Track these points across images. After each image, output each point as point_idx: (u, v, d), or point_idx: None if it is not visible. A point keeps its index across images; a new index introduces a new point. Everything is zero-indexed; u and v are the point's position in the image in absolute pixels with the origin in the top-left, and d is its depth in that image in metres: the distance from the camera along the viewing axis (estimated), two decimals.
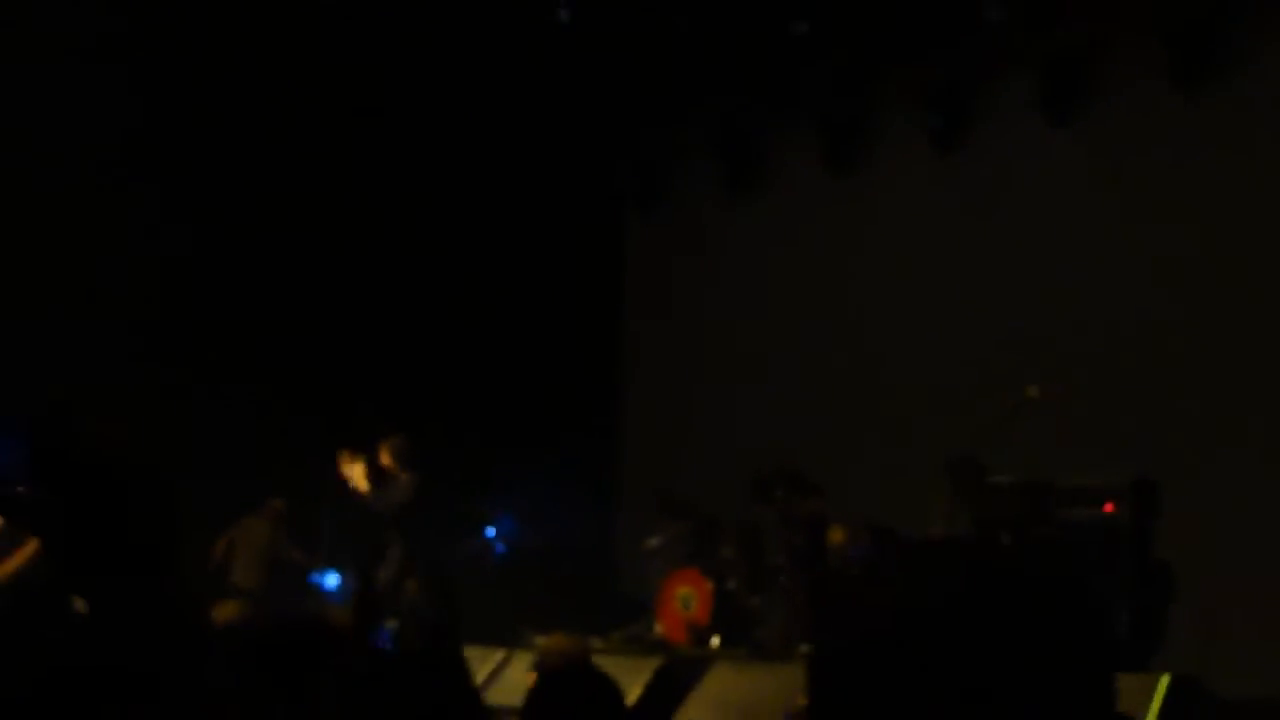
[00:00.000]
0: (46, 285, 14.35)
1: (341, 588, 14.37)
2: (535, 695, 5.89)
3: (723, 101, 18.00)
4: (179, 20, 14.88)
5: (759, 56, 17.17)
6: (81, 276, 14.69)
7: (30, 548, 5.60)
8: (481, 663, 12.84)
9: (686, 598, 14.85)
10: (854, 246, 17.93)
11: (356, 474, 14.54)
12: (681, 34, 16.86)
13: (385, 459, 14.70)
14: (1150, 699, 10.70)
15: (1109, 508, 13.47)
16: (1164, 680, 10.99)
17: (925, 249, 17.35)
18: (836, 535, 14.73)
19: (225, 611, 8.43)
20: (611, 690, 5.98)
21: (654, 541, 15.63)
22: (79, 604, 4.18)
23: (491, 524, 16.13)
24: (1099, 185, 16.29)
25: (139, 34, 14.62)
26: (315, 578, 14.65)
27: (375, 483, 14.56)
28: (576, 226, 18.38)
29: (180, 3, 14.99)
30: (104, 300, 14.79)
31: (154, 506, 4.27)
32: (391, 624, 13.86)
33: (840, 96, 17.40)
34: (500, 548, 16.25)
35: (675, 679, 12.79)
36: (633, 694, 11.93)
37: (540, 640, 11.42)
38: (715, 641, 14.24)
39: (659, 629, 14.73)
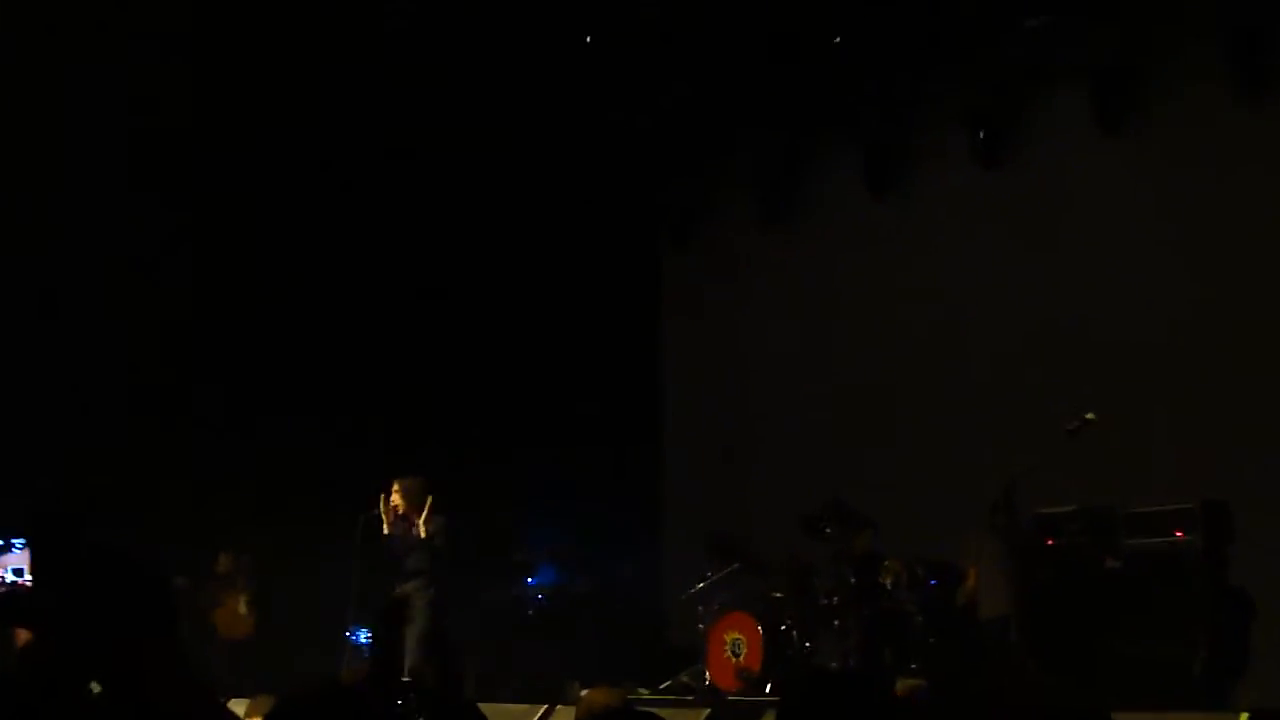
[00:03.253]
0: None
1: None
2: None
3: (761, 128, 17.27)
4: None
5: (798, 80, 16.53)
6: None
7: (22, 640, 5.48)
8: (523, 719, 12.12)
9: (736, 643, 14.14)
10: (898, 268, 17.14)
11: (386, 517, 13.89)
12: (720, 62, 16.11)
13: (397, 500, 13.87)
14: None
15: (1179, 534, 12.80)
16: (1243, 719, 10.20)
17: (972, 268, 16.54)
18: (891, 571, 14.00)
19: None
20: None
21: (701, 585, 14.91)
22: (95, 687, 4.28)
23: (533, 572, 15.38)
24: (1151, 197, 15.48)
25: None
26: (348, 633, 13.91)
27: (394, 527, 13.79)
28: (615, 263, 17.90)
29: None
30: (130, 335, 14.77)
31: (151, 598, 4.43)
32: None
33: (881, 116, 16.65)
34: (541, 597, 15.46)
35: None
36: None
37: (584, 693, 10.69)
38: (768, 689, 13.57)
39: (709, 677, 14.11)
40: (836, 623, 13.85)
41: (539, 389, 17.10)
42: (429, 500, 13.70)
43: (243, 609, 15.53)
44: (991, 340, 16.18)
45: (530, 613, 15.38)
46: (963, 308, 16.42)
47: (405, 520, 13.62)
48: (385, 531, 13.53)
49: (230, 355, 15.40)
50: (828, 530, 14.11)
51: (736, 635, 14.12)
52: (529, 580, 15.62)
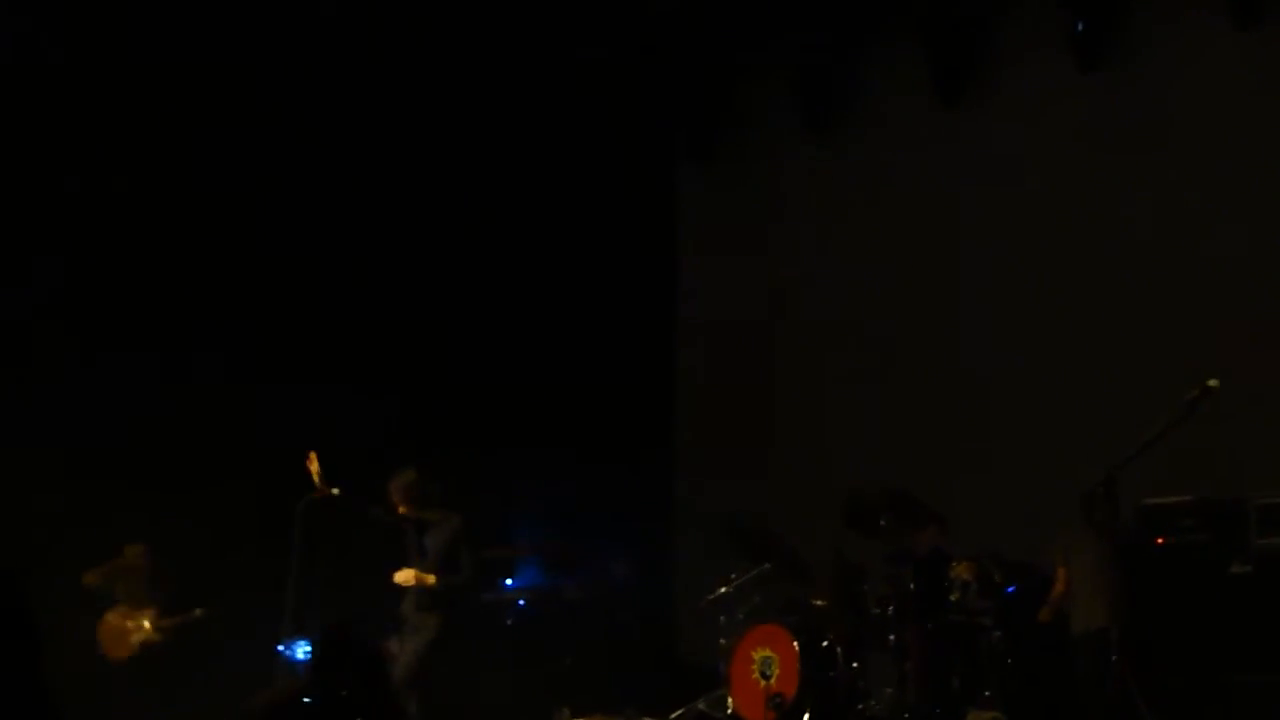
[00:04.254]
0: None
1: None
2: None
3: (801, 33, 14.60)
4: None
5: None
6: None
7: None
8: None
9: (767, 663, 12.40)
10: (972, 193, 14.30)
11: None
12: None
13: (394, 497, 11.86)
14: None
15: None
16: None
17: (1067, 196, 13.74)
18: (960, 575, 12.19)
19: None
20: None
21: (723, 589, 12.92)
22: None
23: (511, 572, 12.97)
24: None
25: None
26: (282, 648, 11.45)
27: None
28: (622, 187, 15.38)
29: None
30: None
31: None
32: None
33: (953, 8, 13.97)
34: (522, 603, 13.13)
35: None
36: None
37: None
38: None
39: (732, 704, 12.56)
40: (892, 638, 12.18)
41: (523, 350, 14.80)
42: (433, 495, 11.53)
43: (144, 621, 12.93)
44: (1087, 287, 13.59)
45: (509, 623, 13.04)
46: (1053, 245, 13.78)
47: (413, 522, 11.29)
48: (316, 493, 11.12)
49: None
50: (882, 524, 12.35)
51: (767, 653, 12.41)
52: (506, 583, 13.19)
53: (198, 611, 12.80)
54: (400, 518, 11.43)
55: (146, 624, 13.00)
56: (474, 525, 11.47)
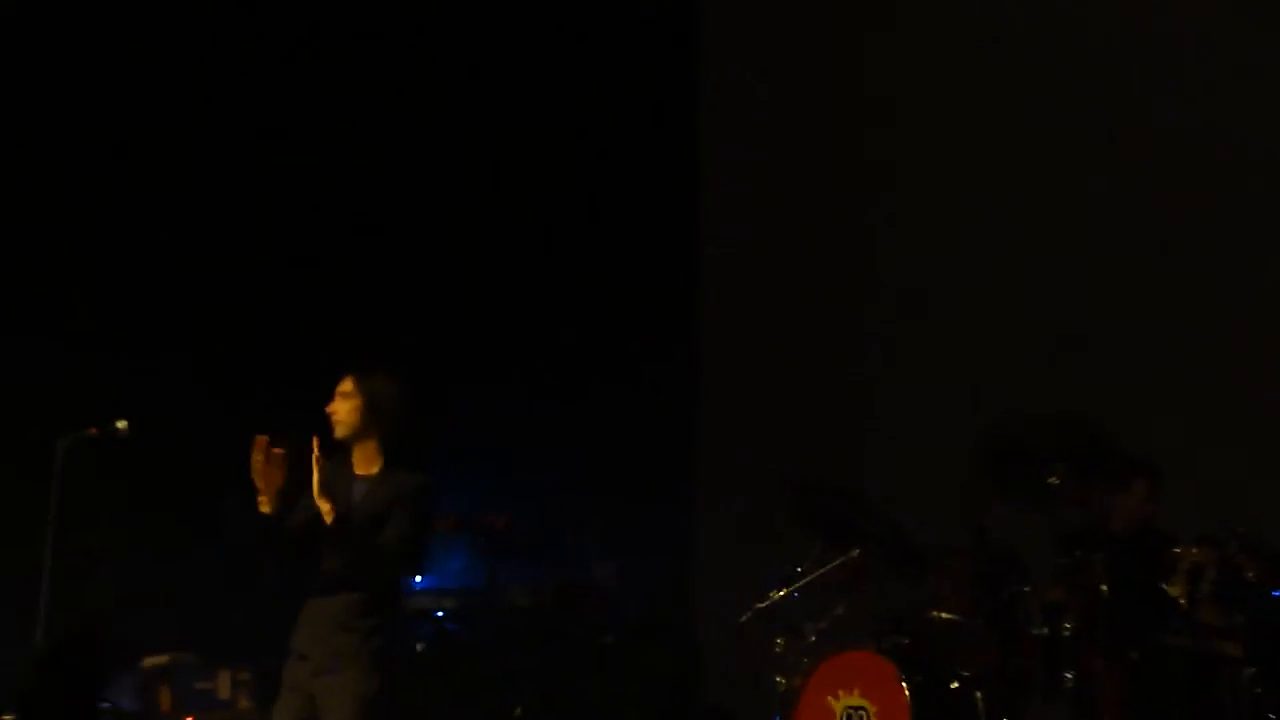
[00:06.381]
0: None
1: None
2: None
3: None
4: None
5: None
6: None
7: None
8: None
9: (856, 715, 8.27)
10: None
11: None
12: None
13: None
14: None
15: None
16: None
17: None
18: (1188, 568, 8.17)
19: None
20: None
21: (780, 593, 8.46)
22: None
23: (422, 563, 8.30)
24: None
25: None
26: None
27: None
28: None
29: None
30: None
31: None
32: None
33: None
34: (442, 614, 8.75)
35: None
36: None
37: None
38: None
39: None
40: (1069, 675, 8.11)
41: (480, 239, 10.76)
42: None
43: None
44: None
45: (419, 649, 8.39)
46: None
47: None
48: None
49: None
50: (1053, 480, 8.11)
51: (856, 700, 8.26)
52: (415, 581, 8.50)
53: None
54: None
55: None
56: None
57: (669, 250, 10.84)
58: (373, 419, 6.85)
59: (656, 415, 9.94)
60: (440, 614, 8.87)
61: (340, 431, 6.89)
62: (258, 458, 6.63)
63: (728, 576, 9.65)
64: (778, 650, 8.72)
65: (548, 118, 11.94)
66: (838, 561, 8.54)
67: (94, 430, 7.60)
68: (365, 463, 6.80)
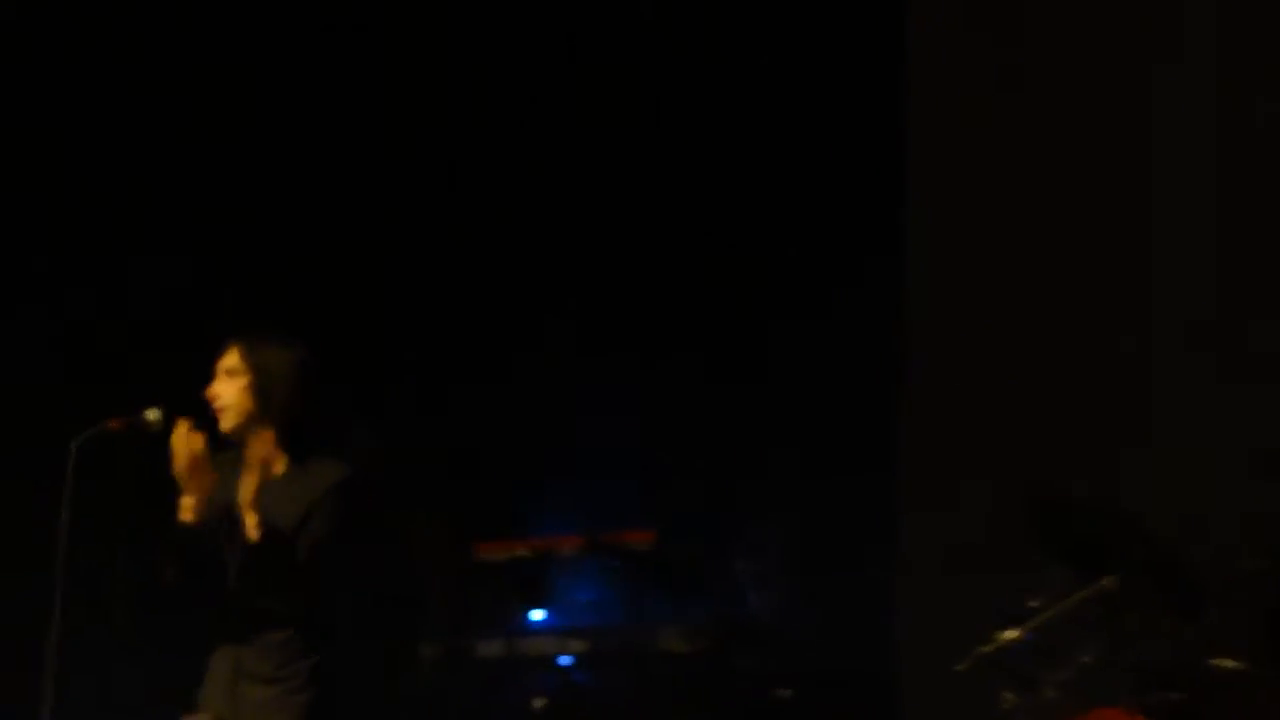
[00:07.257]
0: None
1: None
2: None
3: None
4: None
5: None
6: None
7: None
8: None
9: None
10: None
11: None
12: None
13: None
14: None
15: None
16: None
17: None
18: None
19: None
20: None
21: (1014, 632, 6.81)
22: None
23: (537, 597, 6.82)
24: None
25: None
26: None
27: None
28: None
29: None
30: None
31: None
32: None
33: None
34: (567, 661, 7.14)
35: None
36: None
37: None
38: None
39: None
40: None
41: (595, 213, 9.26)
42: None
43: None
44: None
45: (538, 704, 6.87)
46: None
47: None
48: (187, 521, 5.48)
49: None
50: None
51: None
52: (532, 618, 7.02)
53: None
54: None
55: None
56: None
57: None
58: (267, 402, 5.40)
59: (849, 406, 8.16)
60: (566, 661, 7.30)
61: (227, 421, 5.41)
62: (181, 447, 5.14)
63: (939, 613, 7.98)
64: (1005, 707, 7.17)
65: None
66: (1086, 593, 6.91)
67: (115, 425, 6.18)
68: (264, 461, 5.27)
